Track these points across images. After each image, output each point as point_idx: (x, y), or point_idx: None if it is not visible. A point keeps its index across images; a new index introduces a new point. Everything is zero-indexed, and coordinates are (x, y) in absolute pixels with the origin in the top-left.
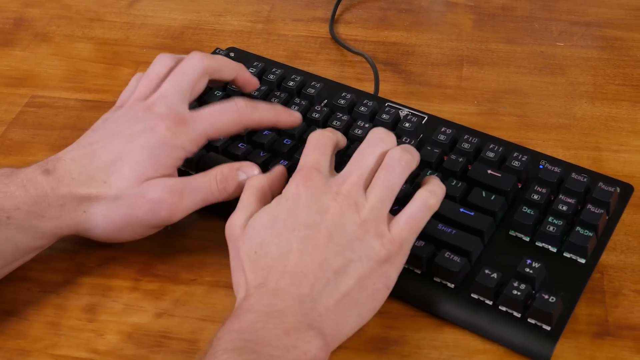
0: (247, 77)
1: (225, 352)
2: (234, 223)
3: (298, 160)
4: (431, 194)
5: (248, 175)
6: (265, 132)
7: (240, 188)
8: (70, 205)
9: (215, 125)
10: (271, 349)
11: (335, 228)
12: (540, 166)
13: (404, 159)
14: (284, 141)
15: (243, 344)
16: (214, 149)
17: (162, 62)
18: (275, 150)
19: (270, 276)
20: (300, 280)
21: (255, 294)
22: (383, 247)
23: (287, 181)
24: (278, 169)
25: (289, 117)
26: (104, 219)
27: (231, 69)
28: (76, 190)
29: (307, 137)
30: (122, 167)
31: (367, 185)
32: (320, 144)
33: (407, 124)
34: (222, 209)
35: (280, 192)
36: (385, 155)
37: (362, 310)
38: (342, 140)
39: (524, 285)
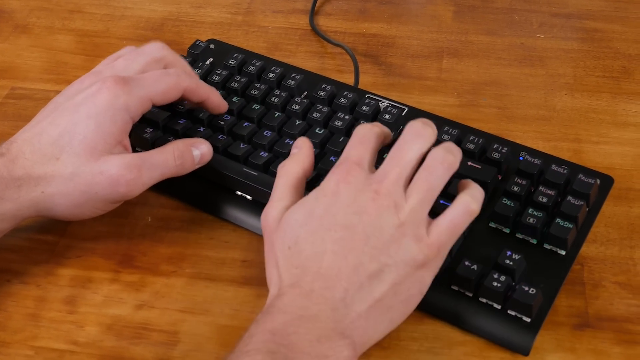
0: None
1: (258, 352)
2: (270, 215)
3: (279, 153)
4: (473, 199)
5: (201, 151)
6: (246, 124)
7: (194, 164)
8: (27, 186)
9: (157, 87)
10: (303, 355)
11: (372, 230)
12: (520, 158)
13: (447, 160)
14: (264, 133)
15: (276, 348)
16: (174, 132)
17: (127, 47)
18: (256, 143)
19: (304, 276)
20: (334, 283)
21: (288, 294)
22: (420, 251)
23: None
24: (306, 147)
25: (221, 99)
26: (62, 197)
27: (185, 70)
28: (31, 170)
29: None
30: (71, 140)
31: (406, 184)
32: (366, 138)
33: (387, 116)
34: (208, 202)
35: (312, 174)
36: (428, 155)
37: (393, 316)
38: (389, 135)
39: (504, 277)
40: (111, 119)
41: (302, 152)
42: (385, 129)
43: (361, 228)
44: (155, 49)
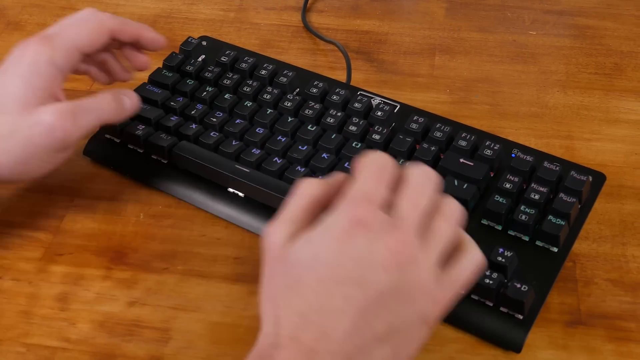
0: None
1: None
2: (274, 236)
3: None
4: (481, 254)
5: (132, 100)
6: (238, 122)
7: (125, 109)
8: None
9: (81, 34)
10: None
11: (388, 290)
12: (513, 155)
13: (460, 210)
14: (257, 130)
15: None
16: (166, 129)
17: None
18: (248, 140)
19: (306, 330)
20: (339, 347)
21: (288, 349)
22: (433, 312)
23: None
24: (340, 178)
25: (155, 33)
26: (4, 155)
27: (128, 22)
28: None
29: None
30: (3, 101)
31: (423, 232)
32: (385, 170)
33: (379, 113)
34: (200, 199)
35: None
36: (443, 203)
37: None
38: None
39: (496, 274)
40: (37, 74)
41: (333, 178)
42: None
43: (374, 286)
44: (87, 14)
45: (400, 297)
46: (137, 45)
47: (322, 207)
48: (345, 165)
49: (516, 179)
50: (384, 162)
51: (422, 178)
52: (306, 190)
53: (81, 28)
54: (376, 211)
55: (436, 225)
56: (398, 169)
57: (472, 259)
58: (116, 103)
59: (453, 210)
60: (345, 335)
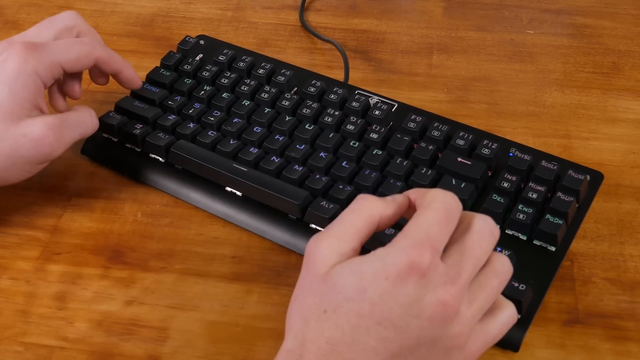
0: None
1: None
2: (322, 252)
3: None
4: (515, 311)
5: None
6: (235, 120)
7: (97, 125)
8: None
9: (68, 54)
10: None
11: (425, 340)
12: (510, 154)
13: (511, 268)
14: (254, 129)
15: None
16: (164, 128)
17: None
18: (246, 139)
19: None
20: None
21: None
22: None
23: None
24: (401, 202)
25: (135, 74)
26: None
27: (96, 40)
28: None
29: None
30: None
31: (471, 285)
32: (454, 217)
33: (377, 112)
34: (198, 198)
35: (387, 229)
36: (495, 258)
37: None
38: None
39: None
40: (23, 85)
41: (395, 201)
42: None
43: (415, 335)
44: (68, 17)
45: (435, 348)
46: (113, 77)
47: (375, 227)
48: (344, 164)
49: (514, 178)
50: (453, 206)
51: (486, 232)
52: (365, 208)
53: (71, 48)
54: (436, 260)
55: (486, 281)
56: (461, 211)
57: (509, 316)
58: (94, 119)
59: (506, 268)
60: None
